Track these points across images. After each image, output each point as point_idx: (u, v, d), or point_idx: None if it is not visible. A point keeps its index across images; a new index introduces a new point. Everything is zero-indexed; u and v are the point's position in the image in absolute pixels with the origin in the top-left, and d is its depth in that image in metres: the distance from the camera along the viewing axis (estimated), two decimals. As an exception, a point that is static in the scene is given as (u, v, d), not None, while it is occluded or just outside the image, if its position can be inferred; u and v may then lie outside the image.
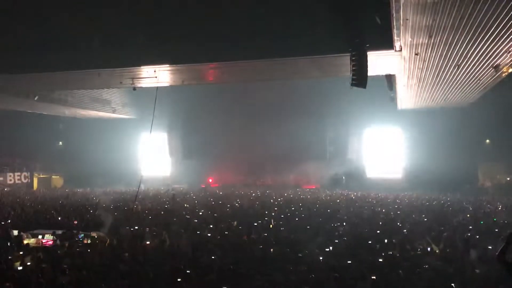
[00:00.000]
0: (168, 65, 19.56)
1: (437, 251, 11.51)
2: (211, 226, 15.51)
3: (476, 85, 21.09)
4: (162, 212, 19.87)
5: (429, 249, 11.73)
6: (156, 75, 20.75)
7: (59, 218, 17.71)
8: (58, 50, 18.78)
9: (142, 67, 19.97)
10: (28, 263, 10.17)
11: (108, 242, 13.24)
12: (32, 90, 26.91)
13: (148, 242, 12.88)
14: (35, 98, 27.53)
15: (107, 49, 18.51)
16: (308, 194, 29.98)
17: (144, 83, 22.89)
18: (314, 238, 12.93)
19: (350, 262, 9.94)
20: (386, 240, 12.69)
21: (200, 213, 19.19)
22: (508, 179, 33.06)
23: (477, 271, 9.12)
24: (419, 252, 11.42)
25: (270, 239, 13.03)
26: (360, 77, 15.32)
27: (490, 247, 11.04)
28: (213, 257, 10.59)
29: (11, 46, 18.82)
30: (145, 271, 9.19)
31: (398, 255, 11.05)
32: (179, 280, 8.62)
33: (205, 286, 8.32)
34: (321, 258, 10.68)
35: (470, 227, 15.00)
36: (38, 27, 18.21)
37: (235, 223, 16.25)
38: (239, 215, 18.33)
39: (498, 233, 13.34)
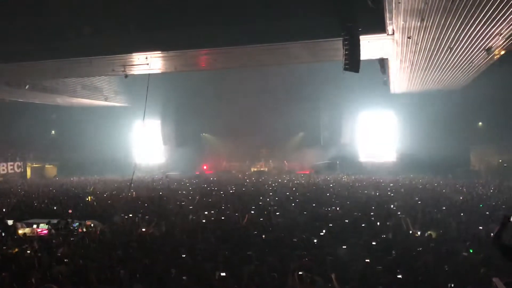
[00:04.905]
0: (159, 52, 19.41)
1: (429, 233, 11.59)
2: (206, 212, 15.55)
3: (468, 68, 21.14)
4: (157, 199, 19.88)
5: (419, 232, 11.79)
6: (148, 62, 20.61)
7: (54, 208, 17.70)
8: (49, 38, 18.57)
9: (133, 54, 19.83)
10: (24, 253, 10.16)
11: (103, 230, 13.24)
12: (23, 79, 26.65)
13: (143, 230, 12.91)
14: (26, 87, 27.30)
15: (98, 36, 18.32)
16: (302, 179, 30.08)
17: (135, 71, 22.75)
18: (308, 223, 13.04)
19: (344, 246, 10.00)
20: (378, 223, 12.82)
21: (195, 200, 19.23)
22: (500, 161, 33.29)
23: (465, 254, 9.18)
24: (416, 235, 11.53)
25: (266, 225, 13.11)
26: (352, 61, 15.29)
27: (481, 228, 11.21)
28: (208, 243, 10.64)
29: (0, 35, 18.58)
30: (141, 258, 9.21)
31: (391, 237, 11.15)
32: (175, 266, 8.66)
33: (201, 272, 8.36)
34: (315, 240, 10.75)
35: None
36: (28, 16, 17.98)
37: (230, 209, 16.32)
38: (234, 201, 18.38)
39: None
